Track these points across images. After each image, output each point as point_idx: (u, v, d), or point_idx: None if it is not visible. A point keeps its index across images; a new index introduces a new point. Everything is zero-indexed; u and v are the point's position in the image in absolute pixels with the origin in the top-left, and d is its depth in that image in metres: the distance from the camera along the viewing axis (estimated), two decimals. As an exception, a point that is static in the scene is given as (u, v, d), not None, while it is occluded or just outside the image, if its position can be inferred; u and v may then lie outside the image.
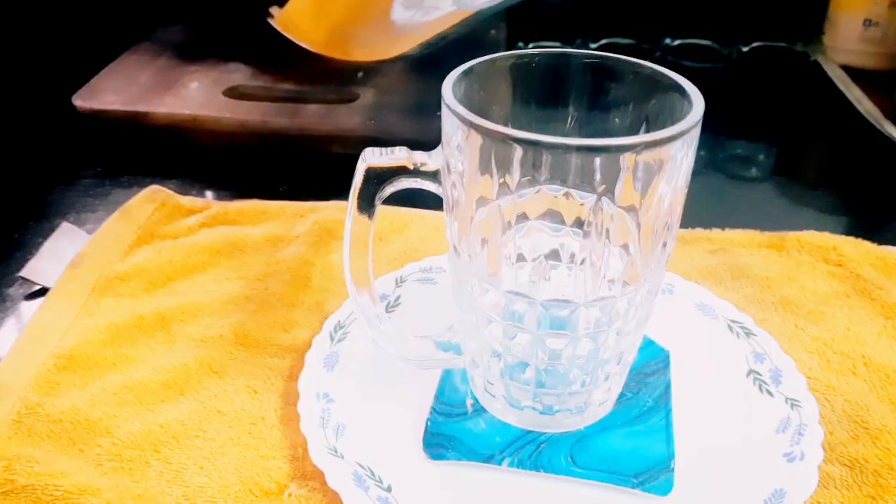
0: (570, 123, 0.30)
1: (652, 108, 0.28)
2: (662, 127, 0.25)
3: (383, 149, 0.28)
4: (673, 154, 0.25)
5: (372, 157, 0.28)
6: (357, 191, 0.28)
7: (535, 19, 0.73)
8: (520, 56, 0.30)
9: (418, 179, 0.29)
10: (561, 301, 0.27)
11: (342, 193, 0.48)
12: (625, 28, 0.73)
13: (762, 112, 0.64)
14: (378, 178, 0.28)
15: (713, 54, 0.71)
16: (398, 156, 0.28)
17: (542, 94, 0.30)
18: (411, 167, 0.28)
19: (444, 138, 0.28)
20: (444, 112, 0.27)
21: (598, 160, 0.27)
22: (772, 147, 0.60)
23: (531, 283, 0.28)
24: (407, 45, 0.54)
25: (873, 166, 0.55)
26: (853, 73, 0.65)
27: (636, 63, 0.28)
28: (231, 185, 0.51)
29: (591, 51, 0.29)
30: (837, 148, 0.60)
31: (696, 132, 0.25)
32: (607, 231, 0.26)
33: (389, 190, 0.29)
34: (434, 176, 0.28)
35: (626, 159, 0.26)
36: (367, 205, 0.29)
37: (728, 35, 0.71)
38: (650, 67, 0.28)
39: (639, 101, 0.29)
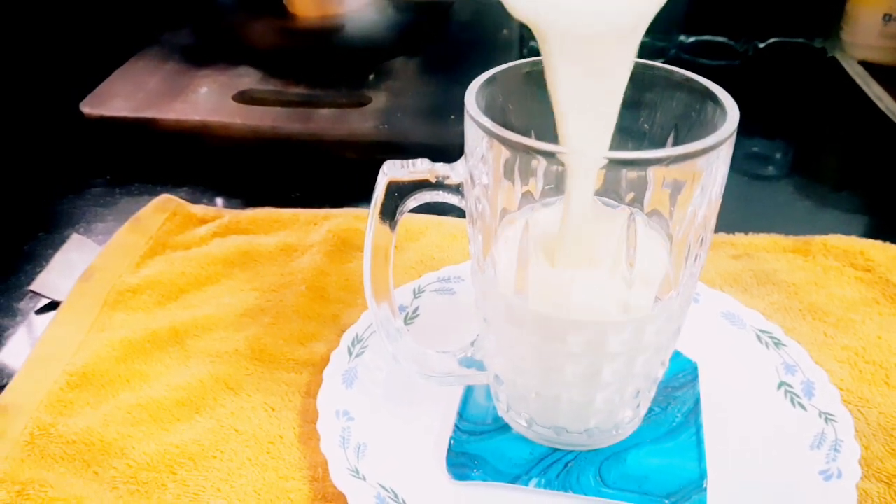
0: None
1: (683, 117, 0.27)
2: (694, 137, 0.25)
3: (404, 161, 0.27)
4: (705, 167, 0.24)
5: (393, 171, 0.27)
6: (378, 205, 0.27)
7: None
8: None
9: (441, 192, 0.28)
10: (591, 318, 0.26)
11: (356, 199, 0.48)
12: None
13: (780, 110, 0.63)
14: (399, 191, 0.27)
15: (729, 51, 0.70)
16: (420, 169, 0.27)
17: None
18: (434, 180, 0.27)
19: (467, 149, 0.27)
20: (468, 122, 0.26)
21: (623, 172, 0.26)
22: (790, 146, 0.59)
23: (560, 299, 0.27)
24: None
25: (895, 165, 0.54)
26: (872, 69, 0.64)
27: (667, 69, 0.27)
28: (242, 192, 0.50)
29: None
30: (858, 146, 0.59)
31: (731, 144, 0.24)
32: (636, 242, 0.25)
33: (411, 204, 0.28)
34: (457, 189, 0.27)
35: (654, 172, 0.25)
36: (388, 218, 0.28)
37: (744, 31, 0.70)
38: (681, 74, 0.27)
39: (669, 109, 0.28)
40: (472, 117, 0.25)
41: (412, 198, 0.28)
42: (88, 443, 0.31)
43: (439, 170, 0.27)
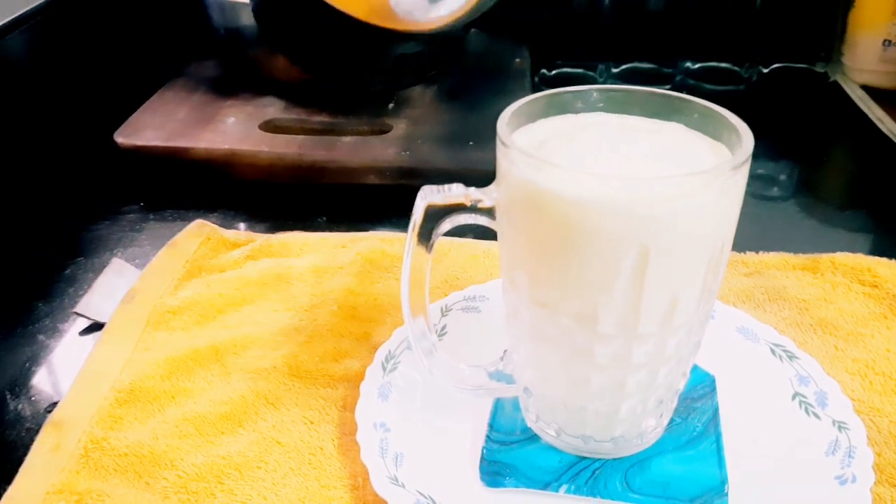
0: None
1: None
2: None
3: (440, 186, 0.29)
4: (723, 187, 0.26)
5: (430, 195, 0.29)
6: (417, 227, 0.29)
7: (558, 45, 0.74)
8: (572, 92, 0.31)
9: (474, 215, 0.30)
10: (618, 331, 0.28)
11: (379, 222, 0.50)
12: (646, 52, 0.74)
13: (785, 133, 0.65)
14: (436, 214, 0.29)
15: (734, 76, 0.72)
16: (455, 193, 0.29)
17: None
18: (468, 204, 0.29)
19: (498, 175, 0.29)
20: (499, 148, 0.28)
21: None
22: (796, 168, 0.61)
23: (590, 313, 0.28)
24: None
25: (898, 185, 0.56)
26: (873, 92, 0.66)
27: (685, 99, 0.29)
28: (271, 217, 0.52)
29: (639, 87, 0.30)
30: (861, 167, 0.61)
31: (746, 168, 0.26)
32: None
33: (446, 226, 0.30)
34: (489, 212, 0.29)
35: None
36: (425, 240, 0.30)
37: (748, 57, 0.72)
38: (700, 104, 0.29)
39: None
40: (503, 143, 0.27)
41: (447, 220, 0.30)
42: (139, 455, 0.33)
43: (473, 194, 0.29)
